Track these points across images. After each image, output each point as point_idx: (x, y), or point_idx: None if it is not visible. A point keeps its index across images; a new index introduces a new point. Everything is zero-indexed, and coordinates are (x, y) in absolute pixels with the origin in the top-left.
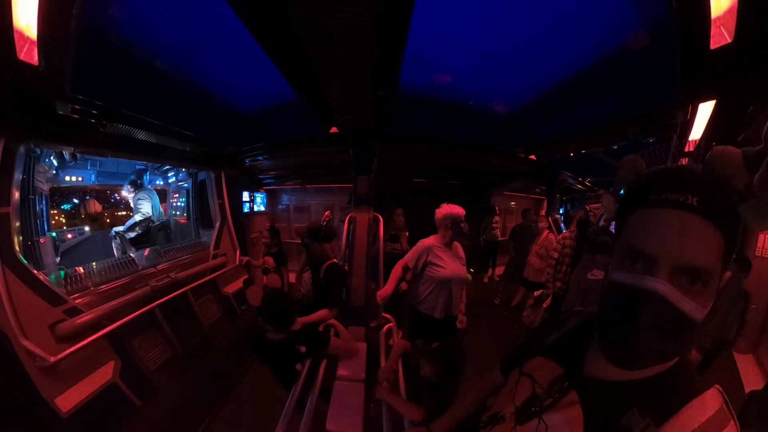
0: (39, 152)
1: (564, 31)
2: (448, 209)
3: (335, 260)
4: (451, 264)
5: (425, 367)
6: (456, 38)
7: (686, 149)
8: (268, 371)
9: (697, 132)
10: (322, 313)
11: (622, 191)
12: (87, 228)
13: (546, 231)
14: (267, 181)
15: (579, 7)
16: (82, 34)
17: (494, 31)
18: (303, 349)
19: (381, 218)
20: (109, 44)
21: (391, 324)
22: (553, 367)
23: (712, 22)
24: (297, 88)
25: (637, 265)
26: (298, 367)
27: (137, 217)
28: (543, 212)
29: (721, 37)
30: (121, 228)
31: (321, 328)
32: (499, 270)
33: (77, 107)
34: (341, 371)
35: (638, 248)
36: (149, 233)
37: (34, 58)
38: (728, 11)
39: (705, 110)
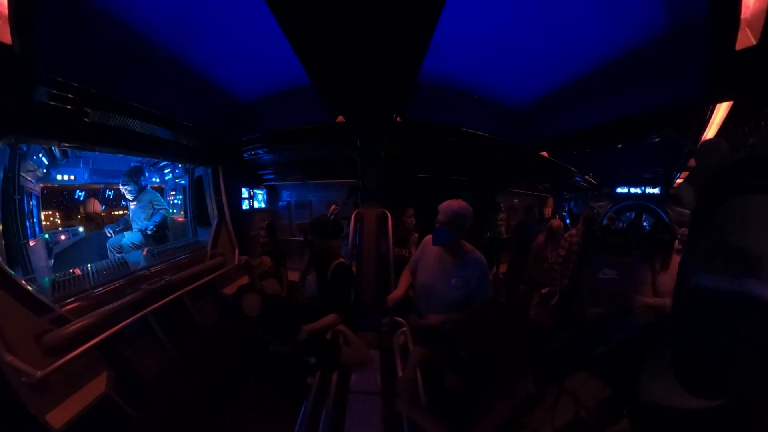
0: (25, 149)
1: (586, 25)
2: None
3: (343, 260)
4: (427, 270)
5: (450, 379)
6: (474, 27)
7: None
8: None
9: (711, 131)
10: (329, 318)
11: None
12: (81, 228)
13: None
14: (267, 176)
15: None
16: (61, 8)
17: (513, 22)
18: (313, 359)
19: (390, 215)
20: (92, 21)
21: (405, 328)
22: (600, 387)
23: (740, 22)
24: (309, 67)
25: (733, 266)
26: (310, 380)
27: (163, 213)
28: (548, 210)
29: (746, 38)
30: (149, 224)
31: (328, 336)
32: (504, 267)
33: (58, 93)
34: (355, 383)
35: (738, 245)
36: (166, 228)
37: (6, 37)
38: (757, 12)
39: (722, 110)
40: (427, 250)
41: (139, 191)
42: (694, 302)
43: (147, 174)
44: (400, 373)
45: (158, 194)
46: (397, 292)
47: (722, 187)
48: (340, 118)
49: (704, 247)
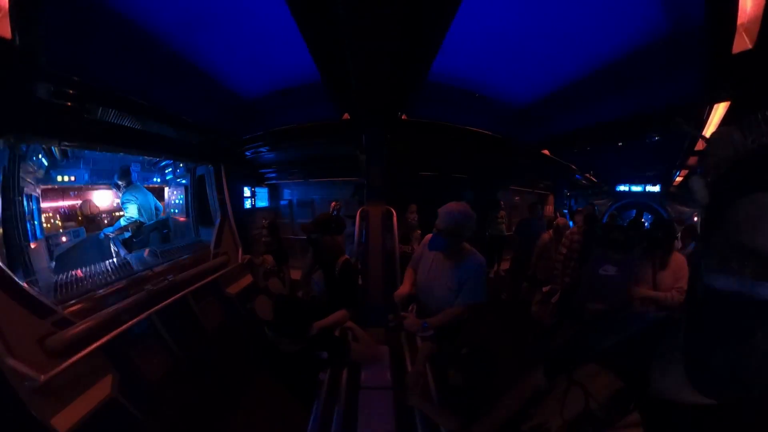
0: (24, 149)
1: (587, 27)
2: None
3: (347, 257)
4: (425, 270)
5: (454, 375)
6: (476, 26)
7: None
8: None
9: (709, 131)
10: (339, 314)
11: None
12: (83, 229)
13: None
14: (269, 175)
15: (602, 3)
16: (63, 1)
17: (516, 22)
18: (324, 354)
19: (395, 212)
20: (94, 15)
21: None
22: (611, 379)
23: (737, 27)
24: (321, 65)
25: (749, 268)
26: (322, 376)
27: (122, 222)
28: (550, 208)
29: (743, 42)
30: (110, 230)
31: (337, 333)
32: (505, 265)
33: (59, 89)
34: (365, 379)
35: (754, 246)
36: (142, 234)
37: (6, 31)
38: (753, 18)
39: (719, 111)
40: (426, 249)
41: (123, 190)
42: (707, 302)
43: (134, 174)
44: (409, 368)
45: (134, 196)
46: (403, 288)
47: (736, 182)
48: (346, 116)
49: (717, 246)
